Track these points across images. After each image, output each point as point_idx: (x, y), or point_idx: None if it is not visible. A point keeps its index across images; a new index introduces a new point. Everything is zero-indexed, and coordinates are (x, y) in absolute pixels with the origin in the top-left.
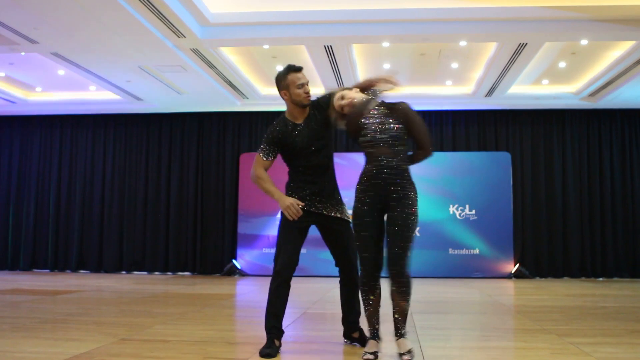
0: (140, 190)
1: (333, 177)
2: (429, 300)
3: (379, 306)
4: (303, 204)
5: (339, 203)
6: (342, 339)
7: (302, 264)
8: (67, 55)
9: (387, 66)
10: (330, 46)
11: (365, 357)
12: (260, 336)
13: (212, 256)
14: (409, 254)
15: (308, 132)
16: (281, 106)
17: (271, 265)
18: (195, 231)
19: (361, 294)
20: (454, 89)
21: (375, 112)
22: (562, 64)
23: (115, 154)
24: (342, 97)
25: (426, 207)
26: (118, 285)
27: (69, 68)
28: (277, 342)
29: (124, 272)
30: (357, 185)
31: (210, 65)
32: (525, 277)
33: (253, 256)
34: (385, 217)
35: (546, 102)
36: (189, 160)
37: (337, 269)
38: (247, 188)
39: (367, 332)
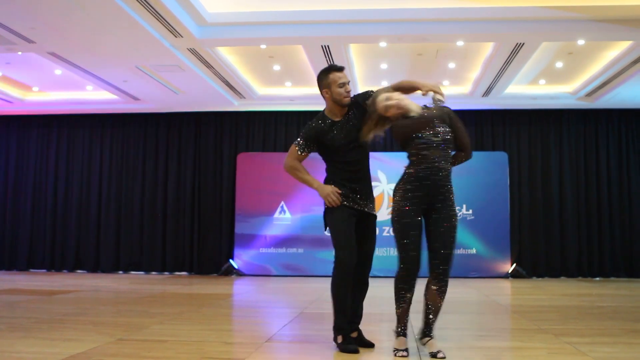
0: (137, 190)
1: (369, 173)
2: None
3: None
4: (341, 191)
5: (373, 200)
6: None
7: (299, 264)
8: (64, 55)
9: (384, 66)
10: (328, 46)
11: (399, 354)
12: (258, 336)
13: (210, 256)
14: (454, 253)
15: (347, 129)
16: (278, 106)
17: (268, 266)
18: (192, 231)
19: (397, 291)
20: (451, 89)
21: (426, 115)
22: (559, 64)
23: (112, 153)
24: (388, 99)
25: None
26: (115, 285)
27: (66, 68)
28: (354, 334)
29: (121, 272)
30: (401, 184)
31: (208, 65)
32: (522, 277)
33: (250, 256)
34: (425, 219)
35: (543, 102)
36: (186, 160)
37: (331, 268)
38: (245, 188)
39: (393, 329)
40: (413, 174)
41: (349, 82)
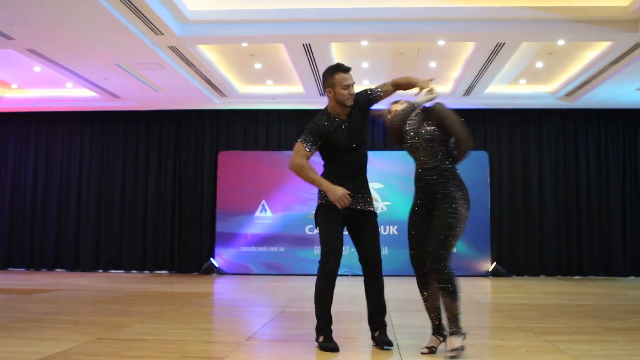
0: (117, 189)
1: (366, 170)
2: (407, 298)
3: (436, 302)
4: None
5: (371, 197)
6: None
7: (280, 263)
8: (43, 52)
9: (365, 65)
10: (309, 45)
11: (421, 350)
12: (239, 334)
13: (190, 255)
14: (443, 251)
15: (351, 129)
16: (259, 105)
17: (249, 264)
18: (173, 229)
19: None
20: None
21: (414, 118)
22: (539, 64)
23: (92, 151)
24: (390, 112)
25: (404, 206)
26: (95, 284)
27: (45, 65)
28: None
29: (100, 270)
30: None
31: (189, 63)
32: (502, 276)
33: (231, 255)
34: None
35: (523, 102)
36: (167, 159)
37: (313, 267)
38: (226, 186)
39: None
40: (414, 177)
41: (354, 83)
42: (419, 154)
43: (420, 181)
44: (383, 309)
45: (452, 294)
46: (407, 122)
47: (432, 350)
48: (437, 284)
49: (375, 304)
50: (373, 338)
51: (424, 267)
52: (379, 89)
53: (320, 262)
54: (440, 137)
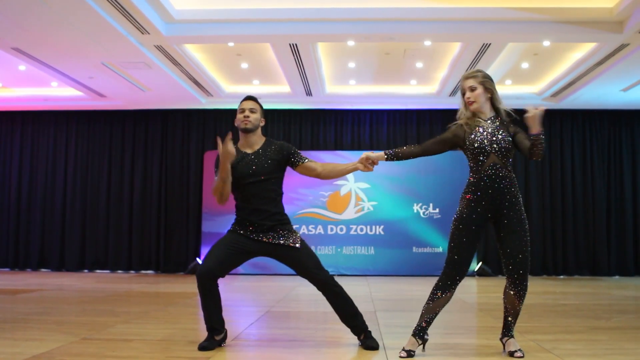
0: (103, 188)
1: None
2: (393, 298)
3: (441, 307)
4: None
5: (287, 231)
6: (306, 337)
7: (266, 262)
8: (28, 50)
9: (352, 65)
10: (296, 44)
11: (400, 354)
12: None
13: (176, 254)
14: (529, 257)
15: (251, 162)
16: None
17: None
18: (158, 229)
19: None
20: (418, 89)
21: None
22: (525, 65)
23: (78, 151)
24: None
25: (390, 206)
26: (80, 284)
27: (30, 63)
28: (217, 337)
29: (86, 270)
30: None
31: (175, 63)
32: (488, 275)
33: None
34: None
35: (509, 102)
36: (153, 158)
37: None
38: (212, 186)
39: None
40: (475, 182)
41: (250, 109)
42: (491, 159)
43: (490, 188)
44: (352, 314)
45: (524, 297)
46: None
47: (410, 354)
48: (517, 290)
49: (343, 316)
50: (359, 340)
51: (463, 273)
52: (304, 160)
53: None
54: (512, 147)
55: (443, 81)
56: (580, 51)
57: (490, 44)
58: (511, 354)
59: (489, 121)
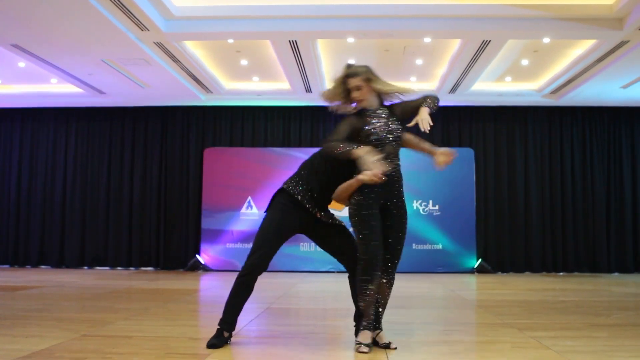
0: (102, 185)
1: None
2: (393, 295)
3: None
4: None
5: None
6: (306, 334)
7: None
8: (28, 47)
9: (352, 61)
10: (295, 41)
11: (360, 349)
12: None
13: (176, 251)
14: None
15: None
16: (245, 101)
17: (235, 261)
18: (158, 226)
19: (359, 284)
20: (418, 85)
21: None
22: (524, 62)
23: (77, 148)
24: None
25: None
26: (80, 280)
27: (30, 60)
28: (225, 334)
29: (85, 267)
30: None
31: (175, 59)
32: (488, 272)
33: (217, 251)
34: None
35: (509, 99)
36: (153, 155)
37: (299, 263)
38: (211, 183)
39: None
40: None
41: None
42: (386, 150)
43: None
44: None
45: (392, 286)
46: (368, 119)
47: (370, 348)
48: (389, 278)
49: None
50: (356, 334)
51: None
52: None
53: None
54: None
55: (443, 78)
56: (580, 48)
57: (490, 41)
58: (386, 346)
59: (379, 111)
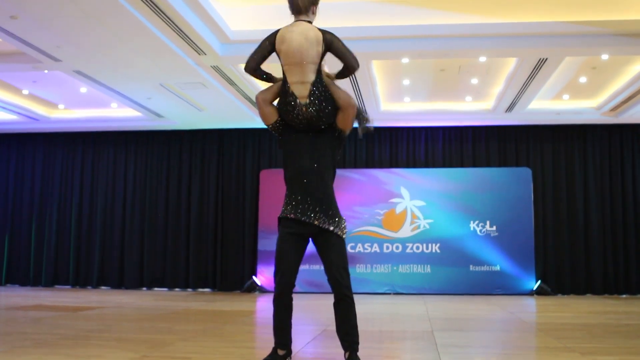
0: (160, 207)
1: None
2: (450, 317)
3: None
4: None
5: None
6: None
7: (322, 280)
8: (90, 73)
9: (406, 82)
10: None
11: None
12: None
13: (233, 273)
14: None
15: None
16: None
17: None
18: (215, 247)
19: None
20: (474, 105)
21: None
22: (582, 79)
23: (136, 170)
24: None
25: (447, 224)
26: (139, 301)
27: (91, 86)
28: (280, 352)
29: (144, 288)
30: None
31: (230, 82)
32: (547, 294)
33: (273, 273)
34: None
35: (567, 117)
36: (209, 177)
37: (355, 285)
38: (267, 204)
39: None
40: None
41: None
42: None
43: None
44: (348, 326)
45: None
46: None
47: None
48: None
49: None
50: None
51: None
52: None
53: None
54: None
55: (499, 97)
56: None
57: (546, 59)
58: None
59: None
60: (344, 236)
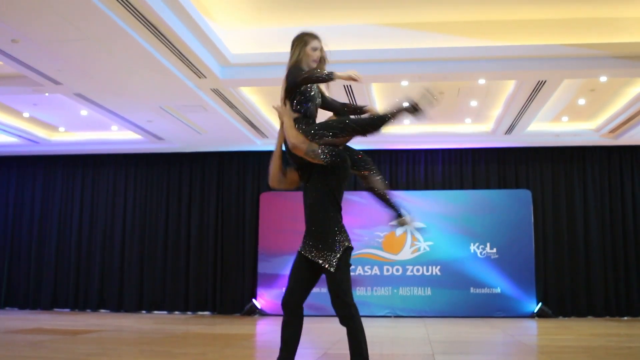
0: (160, 230)
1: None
2: (452, 340)
3: None
4: None
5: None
6: None
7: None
8: (90, 96)
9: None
10: (350, 85)
11: None
12: None
13: (232, 296)
14: None
15: None
16: None
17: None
18: (215, 270)
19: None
20: (473, 127)
21: None
22: (581, 101)
23: (136, 193)
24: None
25: (447, 246)
26: (138, 325)
27: (92, 108)
28: None
29: (144, 311)
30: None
31: (231, 105)
32: (548, 317)
33: (273, 296)
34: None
35: (566, 139)
36: (209, 200)
37: (360, 308)
38: (268, 227)
39: None
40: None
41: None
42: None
43: None
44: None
45: None
46: None
47: None
48: None
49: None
50: None
51: None
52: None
53: None
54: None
55: (498, 119)
56: (639, 86)
57: (545, 81)
58: None
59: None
60: (332, 270)
